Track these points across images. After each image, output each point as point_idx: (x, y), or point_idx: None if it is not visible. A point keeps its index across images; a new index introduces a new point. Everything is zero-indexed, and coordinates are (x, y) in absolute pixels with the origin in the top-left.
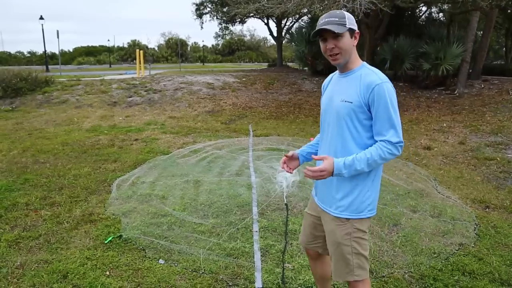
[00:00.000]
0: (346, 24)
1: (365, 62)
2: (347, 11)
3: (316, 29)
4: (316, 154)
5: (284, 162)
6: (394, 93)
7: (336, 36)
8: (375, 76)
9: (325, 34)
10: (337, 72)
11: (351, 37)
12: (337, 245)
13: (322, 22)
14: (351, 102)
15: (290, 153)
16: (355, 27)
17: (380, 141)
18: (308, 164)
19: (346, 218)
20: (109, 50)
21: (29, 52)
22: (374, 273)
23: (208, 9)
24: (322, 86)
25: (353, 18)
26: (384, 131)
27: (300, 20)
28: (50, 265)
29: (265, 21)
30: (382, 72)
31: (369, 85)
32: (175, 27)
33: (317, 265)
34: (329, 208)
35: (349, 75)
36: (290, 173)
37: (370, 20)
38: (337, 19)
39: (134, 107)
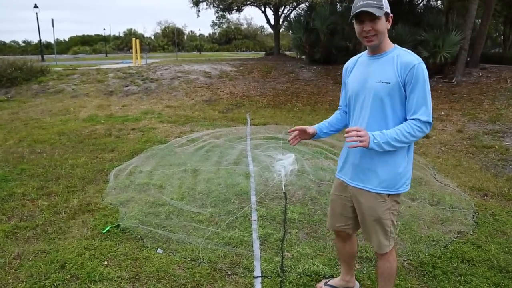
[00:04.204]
0: (383, 8)
1: (396, 44)
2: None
3: (356, 10)
4: (334, 133)
5: (297, 135)
6: (427, 73)
7: (374, 18)
8: (412, 57)
9: (363, 16)
10: (363, 54)
11: (386, 20)
12: (378, 220)
13: (361, 4)
14: (389, 83)
15: (311, 130)
16: (389, 10)
17: (411, 119)
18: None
19: (387, 194)
20: (105, 39)
21: (24, 42)
22: (374, 261)
23: None
24: (345, 68)
25: (387, 2)
26: (417, 110)
27: (297, 8)
28: (47, 255)
29: (262, 9)
30: None
31: (408, 65)
32: (171, 15)
33: (347, 245)
34: (368, 186)
35: (383, 56)
36: (294, 145)
37: None
38: (375, 2)
39: (131, 96)
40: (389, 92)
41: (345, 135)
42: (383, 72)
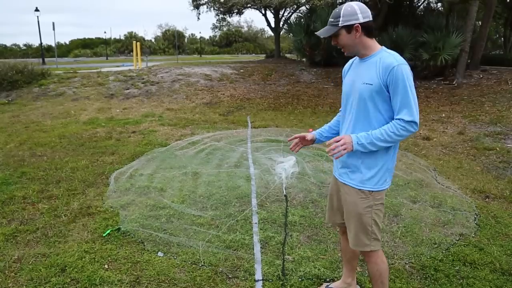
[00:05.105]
0: (338, 24)
1: (383, 47)
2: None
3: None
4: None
5: (298, 142)
6: (410, 74)
7: (332, 36)
8: (393, 59)
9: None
10: (357, 57)
11: (349, 33)
12: (358, 216)
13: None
14: (371, 84)
15: (309, 136)
16: (352, 22)
17: (396, 119)
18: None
19: (369, 191)
20: (105, 42)
21: (25, 45)
22: None
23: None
24: (343, 71)
25: (353, 11)
26: (400, 110)
27: (298, 11)
28: (48, 259)
29: (263, 11)
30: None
31: (387, 67)
32: (171, 18)
33: None
34: (351, 181)
35: (367, 60)
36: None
37: None
38: (332, 19)
39: (132, 99)
40: (371, 93)
41: (327, 149)
42: (367, 74)
